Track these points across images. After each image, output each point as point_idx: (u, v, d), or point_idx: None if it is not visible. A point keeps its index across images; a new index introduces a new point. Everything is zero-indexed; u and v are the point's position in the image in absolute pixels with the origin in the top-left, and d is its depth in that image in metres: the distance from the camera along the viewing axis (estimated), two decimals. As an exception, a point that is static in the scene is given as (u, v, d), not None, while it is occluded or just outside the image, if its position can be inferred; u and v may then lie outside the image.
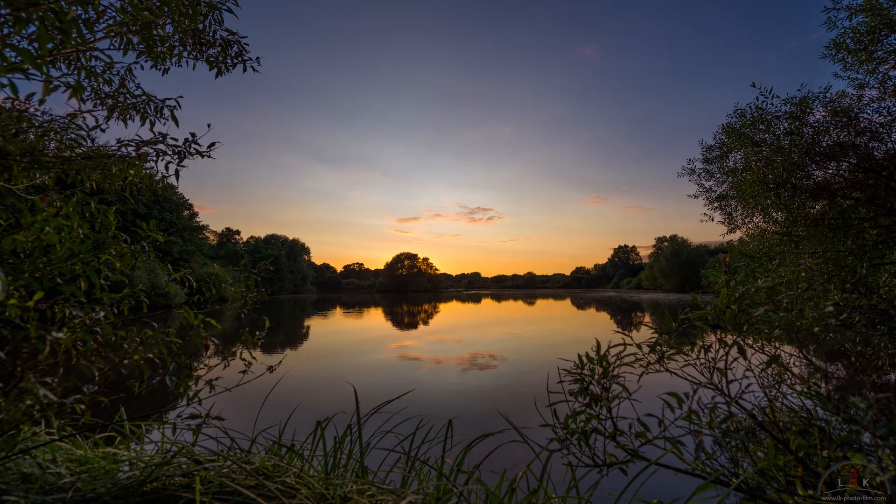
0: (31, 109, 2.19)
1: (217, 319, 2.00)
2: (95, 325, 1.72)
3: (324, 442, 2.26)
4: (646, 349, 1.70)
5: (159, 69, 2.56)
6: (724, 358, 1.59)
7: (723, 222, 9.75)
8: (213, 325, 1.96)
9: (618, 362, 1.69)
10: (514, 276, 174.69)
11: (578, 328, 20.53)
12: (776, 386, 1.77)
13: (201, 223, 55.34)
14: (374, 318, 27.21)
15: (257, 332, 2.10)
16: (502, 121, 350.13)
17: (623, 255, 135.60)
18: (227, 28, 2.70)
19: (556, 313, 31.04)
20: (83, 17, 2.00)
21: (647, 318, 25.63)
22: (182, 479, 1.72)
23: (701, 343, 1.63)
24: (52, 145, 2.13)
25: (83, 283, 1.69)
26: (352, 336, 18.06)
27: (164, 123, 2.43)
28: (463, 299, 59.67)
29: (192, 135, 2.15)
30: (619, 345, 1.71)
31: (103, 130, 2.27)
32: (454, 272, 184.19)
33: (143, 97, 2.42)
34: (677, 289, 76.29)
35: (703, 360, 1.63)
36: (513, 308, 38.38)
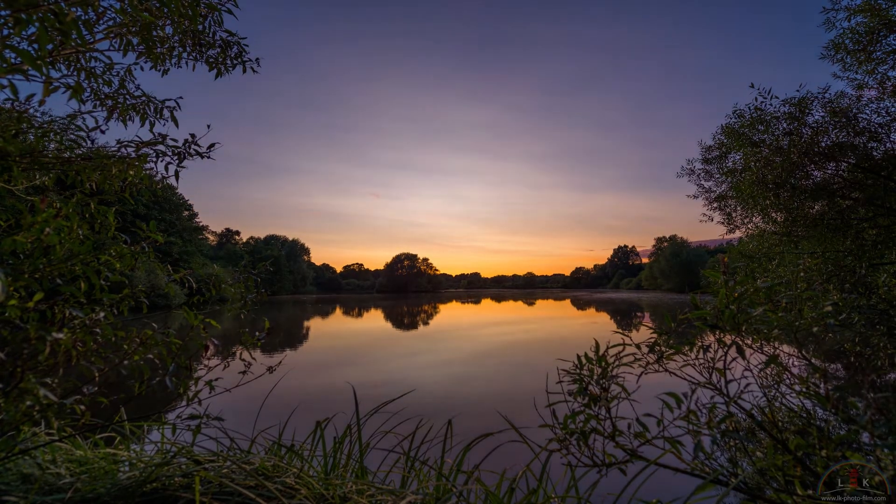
0: (31, 110, 2.20)
1: (217, 320, 2.00)
2: (95, 326, 1.72)
3: (323, 442, 2.26)
4: (645, 349, 1.71)
5: (159, 70, 2.56)
6: (722, 358, 1.59)
7: (722, 222, 9.77)
8: (212, 326, 1.96)
9: (617, 362, 1.70)
10: (514, 276, 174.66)
11: (578, 329, 20.54)
12: (775, 386, 1.78)
13: (201, 223, 55.41)
14: (374, 319, 27.21)
15: (257, 333, 2.10)
16: (501, 117, 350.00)
17: (623, 256, 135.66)
18: (227, 29, 2.70)
19: (555, 314, 31.05)
20: (83, 18, 2.01)
21: (646, 319, 25.64)
22: (182, 480, 1.72)
23: (700, 343, 1.63)
24: (52, 146, 2.14)
25: (83, 284, 1.69)
26: (351, 336, 18.06)
27: (164, 124, 2.43)
28: (463, 300, 59.68)
29: (192, 135, 2.15)
30: (618, 345, 1.71)
31: (103, 131, 2.27)
32: (454, 272, 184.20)
33: (143, 98, 2.42)
34: (677, 289, 76.31)
35: (701, 360, 1.63)
36: (512, 309, 38.39)
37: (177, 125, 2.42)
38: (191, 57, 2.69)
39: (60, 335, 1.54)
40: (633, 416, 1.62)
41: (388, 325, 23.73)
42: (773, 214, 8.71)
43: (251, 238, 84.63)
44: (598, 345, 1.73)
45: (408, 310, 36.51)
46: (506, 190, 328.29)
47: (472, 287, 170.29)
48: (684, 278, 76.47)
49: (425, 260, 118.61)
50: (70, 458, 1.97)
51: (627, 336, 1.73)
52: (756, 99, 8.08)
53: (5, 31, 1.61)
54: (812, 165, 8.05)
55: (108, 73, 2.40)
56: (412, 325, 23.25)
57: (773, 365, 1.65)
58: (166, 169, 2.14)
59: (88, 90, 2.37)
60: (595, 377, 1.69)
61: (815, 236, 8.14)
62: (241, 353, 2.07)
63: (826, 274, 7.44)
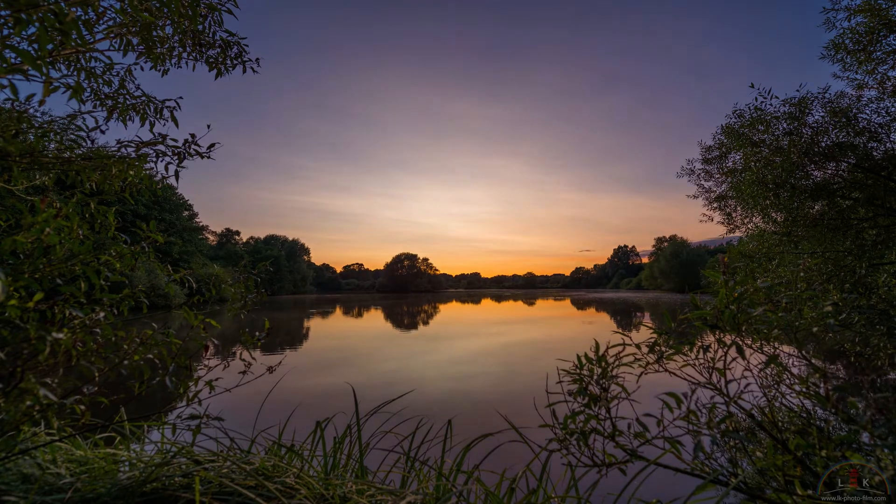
0: (31, 110, 2.20)
1: (217, 320, 2.00)
2: (95, 326, 1.72)
3: (323, 442, 2.26)
4: (644, 349, 1.71)
5: (159, 70, 2.56)
6: (722, 358, 1.59)
7: (722, 222, 9.77)
8: (212, 326, 1.96)
9: (616, 363, 1.70)
10: (514, 276, 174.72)
11: (577, 329, 20.54)
12: (775, 386, 1.78)
13: (201, 223, 55.42)
14: (374, 319, 27.21)
15: (257, 333, 2.11)
16: (504, 118, 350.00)
17: (623, 256, 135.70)
18: (227, 29, 2.70)
19: (555, 314, 31.06)
20: (83, 18, 2.01)
21: (646, 319, 25.64)
22: (182, 480, 1.72)
23: (700, 343, 1.63)
24: (52, 146, 2.13)
25: (83, 284, 1.69)
26: (351, 337, 18.06)
27: (164, 124, 2.43)
28: (463, 300, 59.68)
29: (192, 135, 2.15)
30: (618, 345, 1.71)
31: (103, 131, 2.27)
32: (454, 272, 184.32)
33: (143, 98, 2.42)
34: (677, 289, 76.38)
35: (701, 361, 1.63)
36: (512, 309, 38.39)
37: (177, 125, 2.42)
38: (191, 57, 2.69)
39: (60, 335, 1.54)
40: (633, 416, 1.62)
41: (388, 325, 23.72)
42: (773, 214, 8.70)
43: (251, 238, 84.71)
44: (597, 345, 1.73)
45: (408, 310, 36.50)
46: (507, 190, 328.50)
47: (472, 287, 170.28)
48: (684, 278, 76.58)
49: (425, 260, 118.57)
50: (70, 458, 1.97)
51: (627, 336, 1.73)
52: (756, 99, 8.08)
53: (5, 31, 1.61)
54: (812, 165, 8.05)
55: (108, 73, 2.40)
56: (412, 326, 23.24)
57: (773, 365, 1.65)
58: (166, 169, 2.14)
59: (88, 90, 2.37)
60: (595, 377, 1.69)
61: (815, 236, 8.13)
62: (241, 353, 2.07)
63: (826, 274, 7.44)
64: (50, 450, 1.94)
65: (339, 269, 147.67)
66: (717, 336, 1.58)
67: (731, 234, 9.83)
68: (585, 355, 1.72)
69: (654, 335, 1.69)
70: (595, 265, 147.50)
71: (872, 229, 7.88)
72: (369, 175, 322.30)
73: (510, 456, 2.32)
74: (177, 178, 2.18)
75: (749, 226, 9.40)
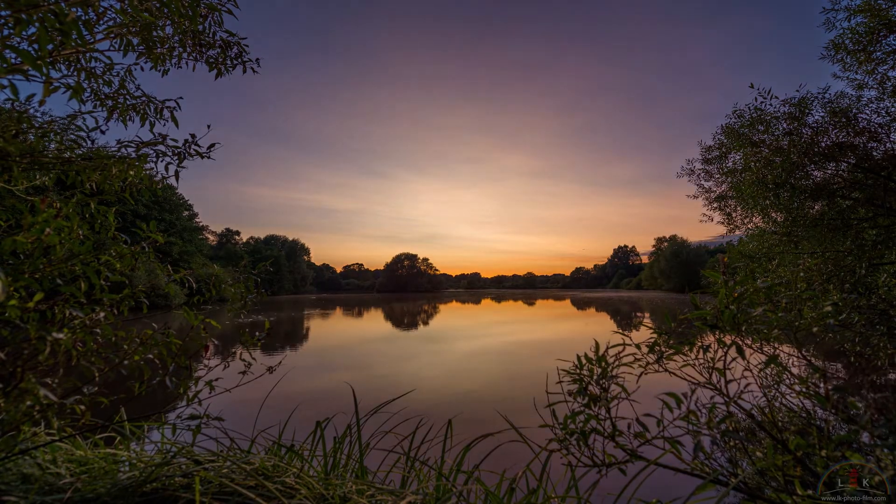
0: (31, 110, 2.20)
1: (217, 320, 2.00)
2: (95, 326, 1.72)
3: (323, 442, 2.26)
4: (644, 349, 1.71)
5: (159, 70, 2.56)
6: (722, 358, 1.59)
7: (722, 222, 9.76)
8: (213, 326, 1.96)
9: (616, 363, 1.70)
10: (514, 276, 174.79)
11: (578, 328, 20.54)
12: (775, 386, 1.78)
13: (201, 223, 55.43)
14: (374, 320, 27.20)
15: (257, 333, 2.11)
16: (504, 118, 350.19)
17: (623, 255, 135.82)
18: (227, 29, 2.70)
19: (555, 314, 31.05)
20: (83, 18, 2.01)
21: (646, 319, 25.64)
22: (182, 480, 1.72)
23: (700, 343, 1.63)
24: (52, 146, 2.13)
25: (83, 284, 1.69)
26: (351, 337, 18.05)
27: (164, 124, 2.43)
28: (463, 300, 59.66)
29: (192, 136, 2.15)
30: (618, 345, 1.71)
31: (103, 132, 2.27)
32: (454, 272, 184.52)
33: (143, 98, 2.42)
34: (677, 289, 76.46)
35: (701, 361, 1.63)
36: (512, 309, 38.38)
37: (177, 125, 2.42)
38: (191, 57, 2.69)
39: (60, 335, 1.54)
40: (633, 416, 1.62)
41: (388, 325, 23.72)
42: (773, 214, 8.69)
43: (251, 238, 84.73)
44: (597, 345, 1.73)
45: (408, 310, 36.49)
46: (507, 190, 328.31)
47: (472, 287, 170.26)
48: (684, 278, 76.64)
49: (425, 260, 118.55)
50: (70, 458, 1.97)
51: (627, 336, 1.73)
52: (756, 99, 8.07)
53: (6, 31, 1.61)
54: (812, 165, 8.05)
55: (108, 73, 2.40)
56: (412, 326, 23.23)
57: (773, 365, 1.65)
58: (166, 169, 2.14)
59: (88, 90, 2.36)
60: (595, 377, 1.69)
61: (815, 236, 8.12)
62: (241, 354, 2.07)
63: (826, 274, 7.43)
64: (50, 450, 1.94)
65: (339, 269, 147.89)
66: (716, 336, 1.58)
67: (732, 234, 9.84)
68: (585, 355, 1.72)
69: (654, 335, 1.70)
70: (595, 265, 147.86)
71: (872, 229, 7.87)
72: (370, 175, 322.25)
73: (510, 456, 2.32)
74: (177, 178, 2.18)
75: (749, 226, 9.40)
